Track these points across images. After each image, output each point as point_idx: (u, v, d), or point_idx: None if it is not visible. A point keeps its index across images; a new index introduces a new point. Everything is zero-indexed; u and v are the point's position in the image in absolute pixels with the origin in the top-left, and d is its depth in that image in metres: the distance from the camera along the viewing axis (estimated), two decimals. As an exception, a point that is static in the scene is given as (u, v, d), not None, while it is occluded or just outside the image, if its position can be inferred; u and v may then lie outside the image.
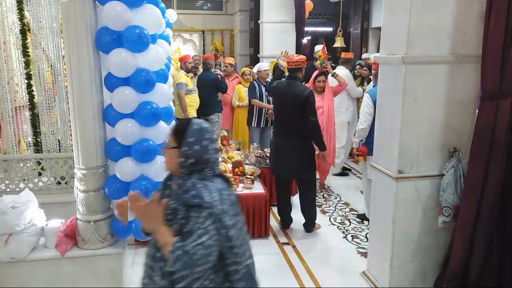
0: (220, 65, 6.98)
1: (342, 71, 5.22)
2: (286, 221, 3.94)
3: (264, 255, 3.44)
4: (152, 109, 2.45)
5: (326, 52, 4.90)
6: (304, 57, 3.79)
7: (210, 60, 5.96)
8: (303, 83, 3.91)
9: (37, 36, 3.18)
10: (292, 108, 3.56)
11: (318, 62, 4.79)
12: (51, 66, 3.23)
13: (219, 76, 5.77)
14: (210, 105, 5.71)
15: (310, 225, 3.86)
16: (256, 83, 5.49)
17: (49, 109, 3.27)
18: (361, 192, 5.02)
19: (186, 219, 1.44)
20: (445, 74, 2.56)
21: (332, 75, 4.75)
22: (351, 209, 4.50)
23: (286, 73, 4.06)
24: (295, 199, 4.17)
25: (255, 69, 5.66)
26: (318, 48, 6.07)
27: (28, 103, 3.28)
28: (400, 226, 2.69)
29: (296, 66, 3.68)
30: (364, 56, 7.48)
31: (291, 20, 6.61)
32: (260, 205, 3.64)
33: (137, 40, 2.34)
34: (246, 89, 5.78)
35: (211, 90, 5.68)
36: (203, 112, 5.76)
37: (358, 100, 5.42)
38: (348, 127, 5.41)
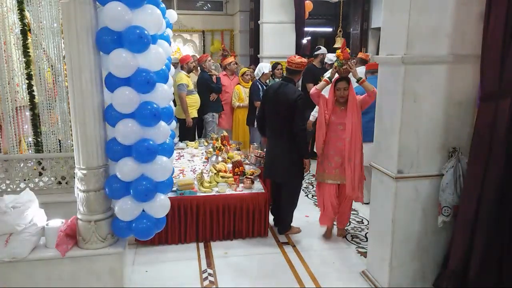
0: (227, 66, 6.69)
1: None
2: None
3: (263, 254, 3.45)
4: (153, 109, 2.45)
5: (348, 50, 3.67)
6: (305, 60, 3.70)
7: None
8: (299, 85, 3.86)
9: (37, 36, 3.19)
10: (281, 109, 3.51)
11: (335, 63, 3.65)
12: (52, 66, 3.24)
13: (214, 77, 5.77)
14: (205, 105, 5.73)
15: (283, 229, 3.81)
16: (258, 84, 5.50)
17: (49, 109, 3.29)
18: None
19: None
20: (444, 74, 2.56)
21: (358, 81, 3.54)
22: (351, 209, 4.49)
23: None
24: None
25: (266, 70, 5.58)
26: (324, 50, 6.08)
27: (29, 103, 3.29)
28: (400, 226, 2.70)
29: (296, 68, 3.60)
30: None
31: (291, 21, 6.63)
32: (260, 205, 3.64)
33: (138, 41, 2.35)
34: (246, 89, 5.79)
35: (204, 90, 5.70)
36: (201, 112, 5.79)
37: None
38: None
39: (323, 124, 3.59)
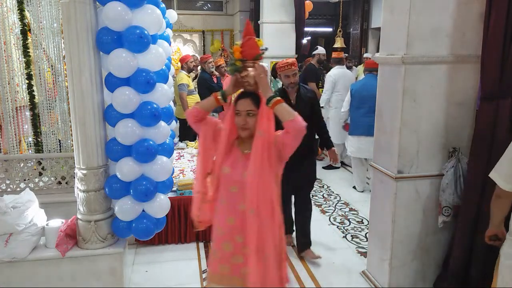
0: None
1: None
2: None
3: (264, 255, 3.44)
4: (153, 109, 2.46)
5: (261, 44, 1.91)
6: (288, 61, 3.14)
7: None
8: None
9: (37, 36, 3.18)
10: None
11: (228, 67, 1.98)
12: (52, 66, 3.24)
13: (214, 77, 5.76)
14: None
15: (308, 243, 3.43)
16: None
17: (49, 109, 3.28)
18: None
19: None
20: (444, 74, 2.56)
21: (268, 102, 1.79)
22: (351, 209, 4.50)
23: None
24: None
25: None
26: (321, 50, 6.21)
27: (29, 103, 3.29)
28: (400, 226, 2.70)
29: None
30: (365, 55, 7.55)
31: (291, 21, 6.62)
32: (260, 205, 3.64)
33: (138, 41, 2.35)
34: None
35: (204, 90, 5.71)
36: None
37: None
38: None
39: (201, 170, 1.99)
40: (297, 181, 3.27)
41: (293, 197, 3.49)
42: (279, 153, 1.84)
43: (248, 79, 1.86)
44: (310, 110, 3.21)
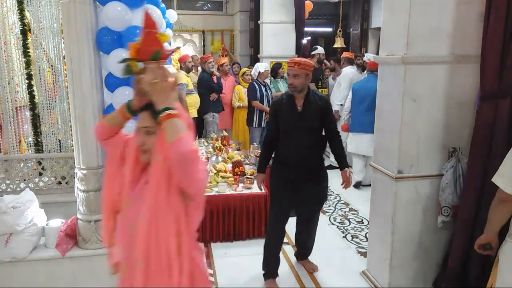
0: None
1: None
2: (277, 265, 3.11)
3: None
4: (153, 109, 2.45)
5: (163, 38, 1.46)
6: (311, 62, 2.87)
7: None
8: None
9: (37, 36, 3.19)
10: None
11: (122, 70, 1.50)
12: (52, 66, 3.24)
13: (214, 77, 5.77)
14: (205, 105, 5.74)
15: (309, 252, 3.35)
16: (255, 84, 5.49)
17: (49, 109, 3.28)
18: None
19: None
20: (444, 74, 2.56)
21: (159, 114, 1.35)
22: (351, 209, 4.50)
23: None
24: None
25: (261, 69, 5.57)
26: (320, 50, 6.20)
27: (29, 103, 3.29)
28: (400, 226, 2.70)
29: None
30: (366, 55, 7.54)
31: (291, 21, 6.62)
32: (260, 205, 3.64)
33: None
34: (246, 89, 5.79)
35: (204, 90, 5.71)
36: (202, 111, 5.79)
37: None
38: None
39: (106, 202, 1.64)
40: (301, 205, 3.04)
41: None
42: (180, 186, 1.36)
43: (142, 85, 1.41)
44: (319, 121, 2.85)
